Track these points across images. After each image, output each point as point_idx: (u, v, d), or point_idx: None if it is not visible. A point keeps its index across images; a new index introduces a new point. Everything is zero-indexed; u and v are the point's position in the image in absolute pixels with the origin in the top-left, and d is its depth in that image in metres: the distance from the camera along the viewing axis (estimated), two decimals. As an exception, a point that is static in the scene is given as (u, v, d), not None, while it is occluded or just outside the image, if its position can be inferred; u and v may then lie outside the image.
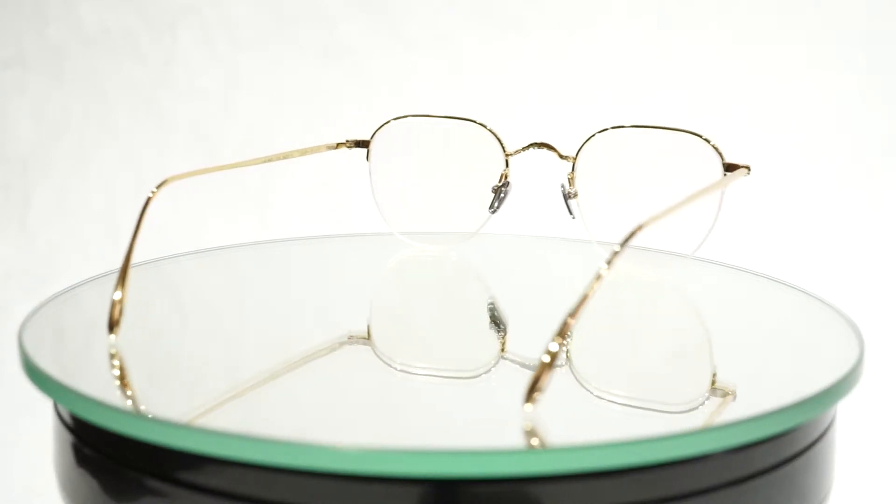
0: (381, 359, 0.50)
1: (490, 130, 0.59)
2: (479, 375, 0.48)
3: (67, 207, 1.05)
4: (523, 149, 0.58)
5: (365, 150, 0.62)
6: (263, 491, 0.39)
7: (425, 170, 0.61)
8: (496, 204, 0.59)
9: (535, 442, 0.40)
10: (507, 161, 0.59)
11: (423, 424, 0.43)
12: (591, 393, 0.46)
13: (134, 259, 0.52)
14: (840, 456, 0.48)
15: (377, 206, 0.62)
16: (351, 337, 0.52)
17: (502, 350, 0.50)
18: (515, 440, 0.41)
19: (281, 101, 1.05)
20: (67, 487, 0.45)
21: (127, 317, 0.50)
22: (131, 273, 0.53)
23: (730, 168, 0.53)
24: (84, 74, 1.06)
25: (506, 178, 0.59)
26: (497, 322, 0.54)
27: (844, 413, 0.51)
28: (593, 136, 0.56)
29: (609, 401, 0.46)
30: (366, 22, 1.04)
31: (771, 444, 0.42)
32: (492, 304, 0.57)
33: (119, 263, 0.53)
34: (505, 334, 0.52)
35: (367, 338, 0.52)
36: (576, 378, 0.48)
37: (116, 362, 0.49)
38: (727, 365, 0.49)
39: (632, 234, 0.44)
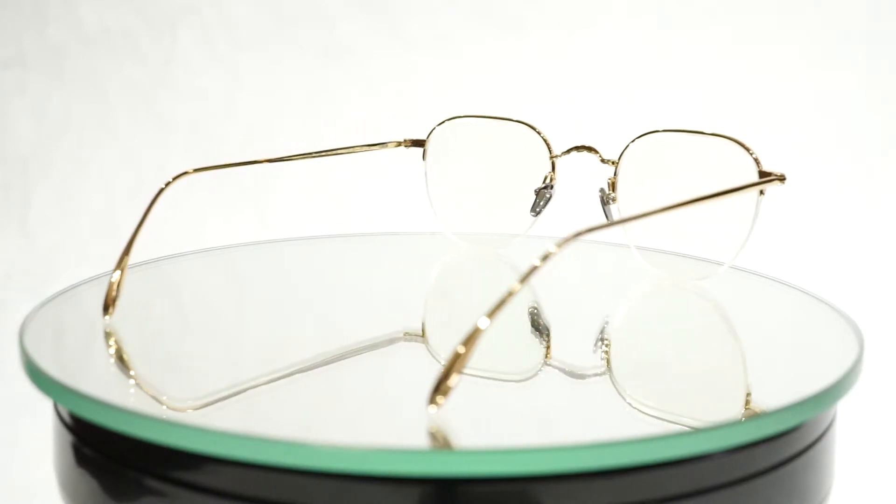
0: (433, 357, 0.50)
1: (537, 132, 0.58)
2: (525, 380, 0.47)
3: (67, 207, 1.05)
4: (566, 152, 0.58)
5: (421, 149, 0.62)
6: (263, 491, 0.39)
7: (477, 171, 0.61)
8: (539, 206, 0.58)
9: (437, 445, 0.40)
10: (553, 164, 0.58)
11: (452, 425, 0.43)
12: (626, 401, 0.46)
13: (134, 259, 0.52)
14: (840, 456, 0.48)
15: (431, 205, 0.62)
16: (406, 334, 0.52)
17: (547, 356, 0.50)
18: (521, 440, 0.41)
19: (281, 101, 1.05)
20: (67, 487, 0.45)
21: (131, 316, 0.50)
22: (134, 272, 0.53)
23: (763, 176, 0.51)
24: (84, 74, 1.06)
25: (549, 180, 0.58)
26: (539, 327, 0.54)
27: (845, 413, 0.51)
28: (635, 140, 0.55)
29: (643, 412, 0.45)
30: (365, 22, 1.04)
31: (771, 444, 0.42)
32: (534, 308, 0.57)
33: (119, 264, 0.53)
34: (548, 339, 0.52)
35: (423, 335, 0.52)
36: (613, 385, 0.48)
37: (112, 342, 0.49)
38: (727, 364, 0.49)
39: (568, 240, 0.43)
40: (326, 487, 0.38)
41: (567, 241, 0.43)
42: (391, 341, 0.52)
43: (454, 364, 0.40)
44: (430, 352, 0.51)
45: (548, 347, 0.51)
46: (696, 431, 0.40)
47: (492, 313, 0.40)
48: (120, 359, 0.49)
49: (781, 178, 0.51)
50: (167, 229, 1.02)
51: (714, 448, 0.40)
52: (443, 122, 0.62)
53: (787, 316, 0.55)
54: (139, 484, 0.41)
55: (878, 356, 0.88)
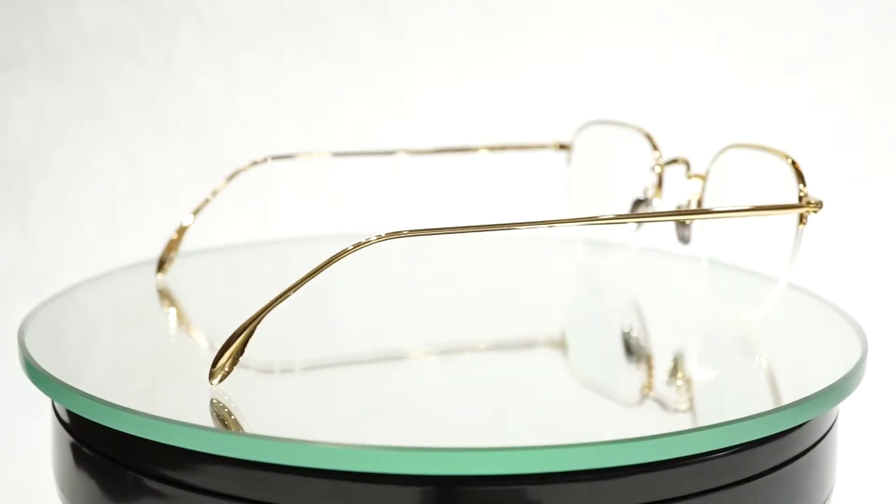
0: (573, 367, 0.50)
1: (652, 142, 0.56)
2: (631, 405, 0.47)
3: (67, 207, 1.05)
4: (663, 164, 0.55)
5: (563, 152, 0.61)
6: (263, 491, 0.39)
7: (603, 179, 0.59)
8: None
9: (217, 421, 0.40)
10: (659, 178, 0.55)
11: (450, 425, 0.43)
12: (625, 399, 0.46)
13: (136, 259, 0.53)
14: (842, 457, 0.48)
15: (571, 210, 0.61)
16: (544, 341, 0.52)
17: (647, 388, 0.47)
18: (521, 440, 0.41)
19: (281, 100, 1.05)
20: (66, 488, 0.45)
21: (136, 317, 0.50)
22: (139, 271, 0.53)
23: (800, 202, 0.48)
24: (84, 74, 1.06)
25: (649, 192, 0.55)
26: (632, 348, 0.52)
27: (847, 413, 0.51)
28: (719, 155, 0.52)
29: (642, 412, 0.45)
30: (366, 22, 1.04)
31: (772, 445, 0.42)
32: (629, 330, 0.54)
33: (119, 263, 0.54)
34: (646, 364, 0.50)
35: (563, 345, 0.52)
36: (612, 382, 0.48)
37: (167, 303, 0.52)
38: (728, 364, 0.49)
39: (359, 245, 0.43)
40: (326, 487, 0.38)
41: (359, 247, 0.43)
42: (399, 344, 0.52)
43: (226, 347, 0.42)
44: (454, 359, 0.51)
45: (648, 373, 0.49)
46: (696, 431, 0.40)
47: (261, 313, 0.42)
48: (169, 295, 0.53)
49: (806, 206, 0.48)
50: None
51: (714, 448, 0.40)
52: (584, 126, 0.60)
53: (788, 315, 0.55)
54: (138, 484, 0.41)
55: (882, 357, 0.87)
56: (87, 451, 0.43)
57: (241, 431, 0.39)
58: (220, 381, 0.42)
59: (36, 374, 0.44)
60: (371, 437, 0.40)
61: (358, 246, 0.43)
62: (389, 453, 0.37)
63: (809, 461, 0.43)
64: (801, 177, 0.48)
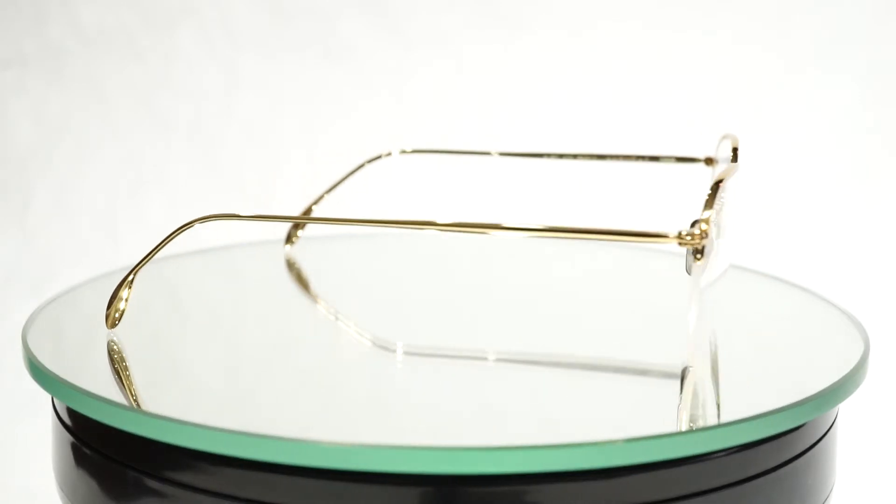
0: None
1: (734, 155, 0.52)
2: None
3: (67, 207, 1.05)
4: (711, 192, 0.49)
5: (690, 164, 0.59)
6: (264, 491, 0.39)
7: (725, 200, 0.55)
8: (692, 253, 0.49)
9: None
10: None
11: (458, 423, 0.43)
12: (624, 401, 0.46)
13: (136, 259, 0.52)
14: (842, 457, 0.48)
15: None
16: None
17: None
18: (521, 440, 0.41)
19: (281, 101, 1.05)
20: (66, 487, 0.45)
21: (140, 320, 0.50)
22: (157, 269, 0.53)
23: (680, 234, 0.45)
24: (84, 74, 1.06)
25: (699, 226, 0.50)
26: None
27: (847, 414, 0.51)
28: (720, 181, 0.47)
29: (642, 413, 0.44)
30: (366, 22, 1.04)
31: (772, 445, 0.42)
32: (687, 368, 0.50)
33: (119, 264, 0.53)
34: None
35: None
36: (612, 384, 0.48)
37: (293, 266, 0.55)
38: (730, 364, 0.49)
39: (171, 236, 0.48)
40: (326, 487, 0.38)
41: (163, 244, 0.47)
42: (400, 344, 0.52)
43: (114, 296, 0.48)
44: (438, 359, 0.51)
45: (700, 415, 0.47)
46: (696, 431, 0.40)
47: (133, 269, 0.48)
48: (296, 264, 0.56)
49: (678, 238, 0.45)
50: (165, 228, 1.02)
51: (714, 448, 0.40)
52: (722, 139, 0.56)
53: (790, 315, 0.55)
54: (138, 484, 0.41)
55: (882, 356, 0.87)
56: (87, 451, 0.43)
57: (241, 431, 0.39)
58: (111, 327, 0.48)
59: (38, 372, 0.44)
60: (371, 436, 0.40)
61: (187, 225, 0.47)
62: (389, 453, 0.37)
63: (809, 461, 0.43)
64: (709, 204, 0.46)
